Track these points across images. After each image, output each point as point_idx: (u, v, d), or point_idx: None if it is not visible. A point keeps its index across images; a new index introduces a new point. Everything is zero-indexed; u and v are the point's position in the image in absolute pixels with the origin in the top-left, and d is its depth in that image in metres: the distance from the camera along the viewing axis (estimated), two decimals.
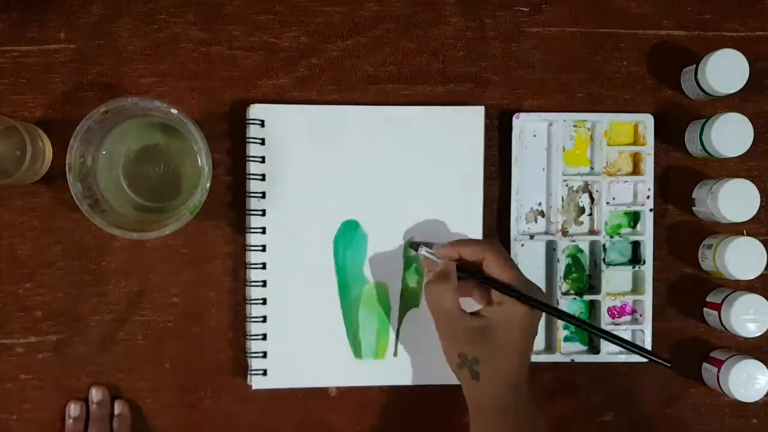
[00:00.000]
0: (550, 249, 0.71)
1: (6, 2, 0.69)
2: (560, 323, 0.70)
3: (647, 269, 0.70)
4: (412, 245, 0.69)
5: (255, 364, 0.68)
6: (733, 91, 0.68)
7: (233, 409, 0.70)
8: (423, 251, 0.66)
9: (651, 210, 0.71)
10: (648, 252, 0.70)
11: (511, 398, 0.60)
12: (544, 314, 0.63)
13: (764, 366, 0.68)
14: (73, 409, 0.68)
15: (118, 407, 0.69)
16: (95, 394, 0.69)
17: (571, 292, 0.71)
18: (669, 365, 0.59)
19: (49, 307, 0.69)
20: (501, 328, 0.60)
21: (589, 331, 0.62)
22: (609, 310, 0.71)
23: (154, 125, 0.67)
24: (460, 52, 0.71)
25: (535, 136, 0.71)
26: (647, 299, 0.70)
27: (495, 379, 0.60)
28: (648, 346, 0.70)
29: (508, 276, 0.61)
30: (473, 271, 0.62)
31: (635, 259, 0.72)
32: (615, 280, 0.71)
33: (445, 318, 0.62)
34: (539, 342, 0.72)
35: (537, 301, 0.60)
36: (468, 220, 0.69)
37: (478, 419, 0.61)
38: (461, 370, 0.61)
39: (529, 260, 0.71)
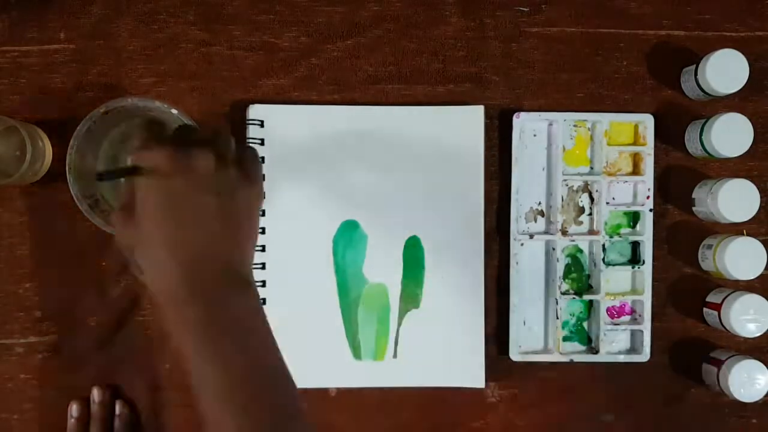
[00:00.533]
0: (550, 249, 0.71)
1: (6, 2, 0.69)
2: (559, 324, 0.70)
3: (647, 269, 0.70)
4: (99, 176, 0.61)
5: None
6: (733, 91, 0.67)
7: None
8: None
9: (651, 210, 0.71)
10: (647, 252, 0.70)
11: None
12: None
13: (764, 366, 0.67)
14: (75, 409, 0.68)
15: (119, 407, 0.69)
16: (96, 394, 0.69)
17: (571, 291, 0.71)
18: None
19: (49, 307, 0.69)
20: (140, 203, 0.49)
21: None
22: (608, 310, 0.71)
23: None
24: (460, 52, 0.71)
25: (535, 135, 0.71)
26: (646, 299, 0.70)
27: (151, 270, 0.50)
28: (647, 346, 0.70)
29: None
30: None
31: (635, 259, 0.72)
32: (614, 280, 0.71)
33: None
34: (538, 341, 0.71)
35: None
36: (468, 220, 0.69)
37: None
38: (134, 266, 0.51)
39: (528, 260, 0.71)
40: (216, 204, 0.50)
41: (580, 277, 0.72)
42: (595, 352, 0.70)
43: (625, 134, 0.72)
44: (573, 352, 0.71)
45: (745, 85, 0.67)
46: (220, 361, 0.48)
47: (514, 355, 0.70)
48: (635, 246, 0.71)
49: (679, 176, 0.72)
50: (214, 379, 0.47)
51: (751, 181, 0.68)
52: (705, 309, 0.71)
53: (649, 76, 0.72)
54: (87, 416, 0.69)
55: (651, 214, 0.70)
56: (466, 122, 0.69)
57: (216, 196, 0.50)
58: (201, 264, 0.49)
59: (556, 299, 0.70)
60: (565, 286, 0.71)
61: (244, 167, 0.53)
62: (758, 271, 0.68)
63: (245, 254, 0.53)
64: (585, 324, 0.72)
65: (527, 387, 0.71)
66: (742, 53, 0.67)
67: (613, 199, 0.72)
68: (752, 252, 0.68)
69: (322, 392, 0.70)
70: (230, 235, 0.51)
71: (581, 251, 0.72)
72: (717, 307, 0.69)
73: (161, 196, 0.49)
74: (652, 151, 0.70)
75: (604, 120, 0.70)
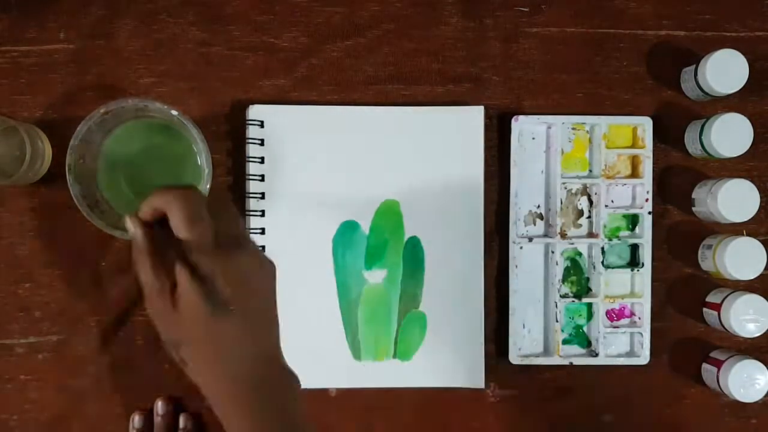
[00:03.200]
0: (549, 252, 0.71)
1: (6, 2, 0.69)
2: (559, 327, 0.70)
3: (646, 272, 0.70)
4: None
5: None
6: (732, 91, 0.68)
7: None
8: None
9: (649, 213, 0.70)
10: (646, 255, 0.70)
11: (242, 383, 0.50)
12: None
13: (764, 366, 0.67)
14: (137, 421, 0.68)
15: (182, 421, 0.68)
16: (160, 407, 0.68)
17: (570, 294, 0.71)
18: None
19: (48, 307, 0.69)
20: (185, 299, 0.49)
21: None
22: (607, 312, 0.71)
23: (154, 126, 0.67)
24: (460, 52, 0.71)
25: (533, 138, 0.71)
26: (646, 302, 0.70)
27: (201, 364, 0.50)
28: (646, 348, 0.70)
29: (186, 235, 0.49)
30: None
31: (634, 261, 0.71)
32: (613, 283, 0.71)
33: (148, 294, 0.51)
34: (537, 345, 0.71)
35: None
36: (468, 220, 0.69)
37: (219, 408, 0.52)
38: (176, 357, 0.51)
39: (527, 263, 0.71)
40: (259, 304, 0.52)
41: (579, 280, 0.72)
42: (595, 355, 0.70)
43: (624, 137, 0.71)
44: (572, 355, 0.71)
45: (745, 85, 0.67)
46: None
47: (514, 359, 0.70)
48: (634, 249, 0.71)
49: (679, 176, 0.72)
50: None
51: (751, 181, 0.68)
52: (705, 309, 0.71)
53: (649, 76, 0.72)
54: (149, 428, 0.68)
55: (650, 216, 0.70)
56: (466, 122, 0.70)
57: (259, 296, 0.51)
58: (256, 366, 0.51)
59: (556, 302, 0.70)
60: (564, 289, 0.71)
61: (251, 245, 0.53)
62: (758, 271, 0.68)
63: (279, 340, 0.53)
64: (584, 327, 0.72)
65: (527, 387, 0.71)
66: (742, 53, 0.67)
67: (612, 202, 0.71)
68: (752, 252, 0.68)
69: (322, 392, 0.70)
70: (274, 329, 0.53)
71: (580, 254, 0.72)
72: (717, 307, 0.69)
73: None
74: (650, 154, 0.70)
75: (602, 123, 0.70)
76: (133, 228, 0.51)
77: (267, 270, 0.53)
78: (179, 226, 0.49)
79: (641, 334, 0.70)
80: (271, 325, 0.53)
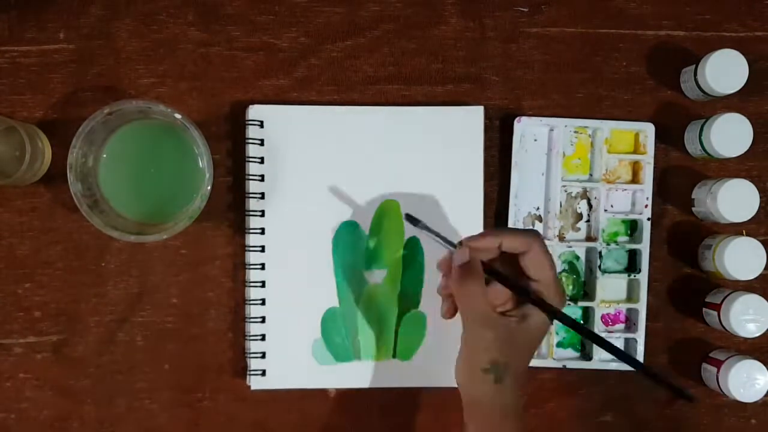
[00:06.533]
0: None
1: (6, 2, 0.69)
2: (553, 328, 0.70)
3: (643, 278, 0.70)
4: (409, 218, 0.62)
5: (254, 364, 0.68)
6: (732, 91, 0.68)
7: (232, 410, 0.70)
8: (426, 233, 0.61)
9: (648, 219, 0.70)
10: (644, 261, 0.70)
11: (521, 401, 0.58)
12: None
13: (764, 366, 0.67)
14: None
15: None
16: None
17: (566, 298, 0.71)
18: (691, 400, 0.58)
19: (48, 307, 0.69)
20: (526, 331, 0.57)
21: (606, 349, 0.58)
22: (603, 317, 0.71)
23: (156, 127, 0.67)
24: (460, 52, 0.71)
25: (535, 140, 0.71)
26: (641, 308, 0.70)
27: (515, 383, 0.57)
28: (640, 354, 0.70)
29: (547, 277, 0.57)
30: (497, 272, 0.58)
31: (631, 267, 0.71)
32: (610, 288, 0.71)
33: (480, 321, 0.57)
34: None
35: (565, 317, 0.57)
36: (468, 220, 0.69)
37: (487, 423, 0.57)
38: (485, 375, 0.56)
39: None
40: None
41: (575, 284, 0.72)
42: (589, 358, 0.70)
43: (626, 142, 0.71)
44: (566, 359, 0.71)
45: (745, 85, 0.67)
46: None
47: None
48: (632, 254, 0.71)
49: (679, 176, 0.72)
50: None
51: (751, 181, 0.68)
52: (704, 309, 0.71)
53: (649, 76, 0.72)
54: None
55: (649, 223, 0.70)
56: (466, 122, 0.70)
57: None
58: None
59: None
60: None
61: None
62: (758, 271, 0.68)
63: None
64: None
65: (527, 387, 0.71)
66: (742, 53, 0.67)
67: (612, 206, 0.71)
68: (752, 252, 0.68)
69: (322, 392, 0.70)
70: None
71: (578, 258, 0.72)
72: (716, 307, 0.69)
73: (547, 332, 0.59)
74: (651, 160, 0.70)
75: (604, 127, 0.70)
76: (469, 255, 0.58)
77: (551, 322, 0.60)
78: (542, 264, 0.57)
79: (636, 339, 0.70)
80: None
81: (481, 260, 0.58)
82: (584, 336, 0.59)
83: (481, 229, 0.69)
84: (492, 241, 0.58)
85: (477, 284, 0.57)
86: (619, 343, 0.71)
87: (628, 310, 0.71)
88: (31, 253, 0.69)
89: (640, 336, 0.70)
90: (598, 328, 0.70)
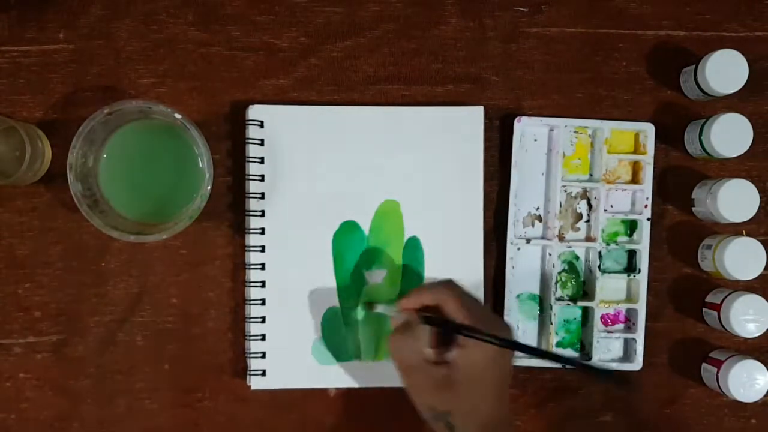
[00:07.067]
0: (546, 254, 0.71)
1: (6, 2, 0.69)
2: (553, 329, 0.70)
3: (642, 278, 0.70)
4: (366, 304, 0.68)
5: (254, 364, 0.68)
6: (732, 91, 0.68)
7: (232, 410, 0.70)
8: (379, 309, 0.67)
9: (648, 219, 0.70)
10: (644, 261, 0.70)
11: None
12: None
13: (764, 366, 0.68)
14: None
15: None
16: None
17: (565, 297, 0.71)
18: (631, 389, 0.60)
19: (48, 307, 0.69)
20: (470, 372, 0.57)
21: (549, 358, 0.61)
22: (602, 317, 0.71)
23: (155, 127, 0.67)
24: (460, 52, 0.71)
25: (535, 140, 0.71)
26: (641, 308, 0.70)
27: (470, 428, 0.57)
28: (640, 354, 0.70)
29: (465, 317, 0.58)
30: (437, 318, 0.60)
31: (631, 267, 0.71)
32: (609, 288, 0.71)
33: (409, 371, 0.60)
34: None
35: (499, 339, 0.57)
36: (468, 220, 0.69)
37: None
38: (437, 423, 0.58)
39: (524, 264, 0.71)
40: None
41: (575, 284, 0.72)
42: (588, 359, 0.70)
43: (626, 142, 0.72)
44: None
45: (745, 85, 0.67)
46: None
47: None
48: (632, 254, 0.71)
49: (679, 176, 0.72)
50: None
51: (751, 181, 0.68)
52: (704, 309, 0.71)
53: (649, 76, 0.72)
54: None
55: (648, 223, 0.70)
56: (466, 122, 0.70)
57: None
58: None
59: (551, 305, 0.70)
60: (559, 292, 0.71)
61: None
62: (758, 271, 0.68)
63: None
64: (579, 331, 0.72)
65: (527, 388, 0.71)
66: (742, 53, 0.67)
67: (612, 206, 0.71)
68: (752, 252, 0.68)
69: (322, 392, 0.70)
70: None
71: (577, 258, 0.72)
72: (716, 307, 0.69)
73: (503, 366, 0.59)
74: (651, 161, 0.70)
75: (605, 127, 0.70)
76: (409, 315, 0.61)
77: (507, 356, 0.60)
78: (458, 317, 0.58)
79: (635, 339, 0.70)
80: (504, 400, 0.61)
81: (418, 310, 0.61)
82: (530, 354, 0.59)
83: (480, 231, 0.69)
84: (410, 302, 0.62)
85: (408, 339, 0.60)
86: (619, 343, 0.72)
87: (628, 310, 0.71)
88: (31, 253, 0.69)
89: (639, 336, 0.70)
90: (598, 328, 0.70)
